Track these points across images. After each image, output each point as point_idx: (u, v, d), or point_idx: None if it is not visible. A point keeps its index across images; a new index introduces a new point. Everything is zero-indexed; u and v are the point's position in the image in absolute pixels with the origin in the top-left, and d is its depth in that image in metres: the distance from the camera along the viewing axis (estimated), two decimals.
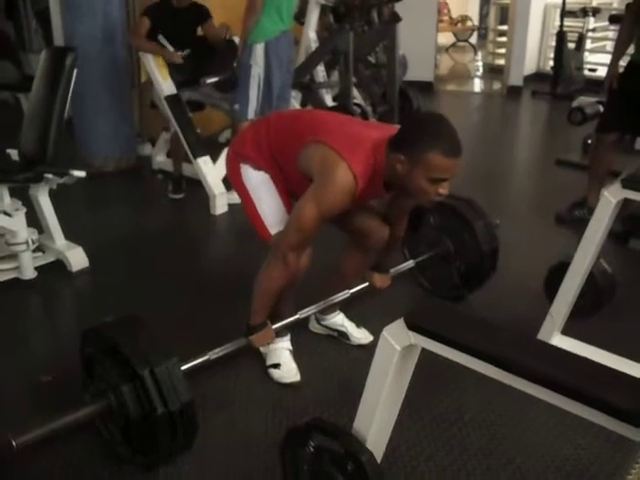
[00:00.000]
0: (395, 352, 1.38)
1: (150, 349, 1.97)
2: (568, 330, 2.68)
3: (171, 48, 4.43)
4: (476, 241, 3.00)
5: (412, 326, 1.28)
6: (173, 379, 1.92)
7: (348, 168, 2.16)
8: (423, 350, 1.39)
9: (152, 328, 2.08)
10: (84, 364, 2.14)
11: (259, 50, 4.14)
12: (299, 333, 2.82)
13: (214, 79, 4.41)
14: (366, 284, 2.80)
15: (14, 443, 1.79)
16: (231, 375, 2.61)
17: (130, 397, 1.94)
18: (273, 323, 2.52)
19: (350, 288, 2.82)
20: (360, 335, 2.85)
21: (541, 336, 2.66)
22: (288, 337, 2.68)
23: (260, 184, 2.47)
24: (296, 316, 2.61)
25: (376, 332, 2.45)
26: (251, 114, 4.22)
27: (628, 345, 2.63)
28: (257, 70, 4.16)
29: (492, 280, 3.13)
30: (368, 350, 2.66)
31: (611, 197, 2.38)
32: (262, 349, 2.66)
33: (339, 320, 2.88)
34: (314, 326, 2.93)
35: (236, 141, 2.67)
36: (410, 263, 3.09)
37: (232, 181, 2.60)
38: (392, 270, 2.91)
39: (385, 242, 2.62)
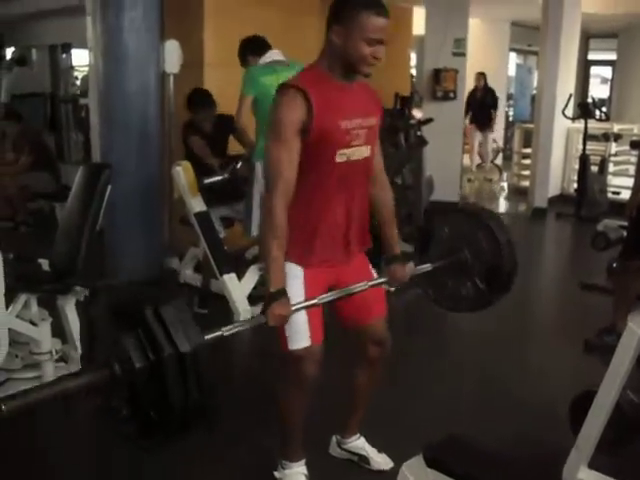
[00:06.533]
0: None
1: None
2: (596, 463, 2.59)
3: None
4: (492, 236, 2.73)
5: (431, 463, 1.26)
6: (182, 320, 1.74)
7: (282, 85, 2.29)
8: None
9: None
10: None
11: (258, 169, 4.26)
12: (318, 457, 2.76)
13: (213, 179, 4.53)
14: (385, 279, 2.60)
15: (3, 407, 1.57)
16: None
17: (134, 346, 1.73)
18: (287, 450, 2.46)
19: (367, 400, 2.78)
20: (381, 460, 2.79)
21: (567, 469, 2.57)
22: (303, 461, 2.63)
23: (290, 286, 2.29)
24: (314, 300, 2.29)
25: (397, 456, 2.40)
26: (255, 231, 4.32)
27: None
28: (258, 188, 4.27)
29: (517, 407, 3.06)
30: (389, 477, 2.59)
31: (636, 327, 2.36)
32: (277, 474, 2.62)
33: (360, 444, 2.83)
34: (335, 450, 2.88)
35: None
36: (427, 266, 2.76)
37: None
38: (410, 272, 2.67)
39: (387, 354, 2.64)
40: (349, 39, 2.23)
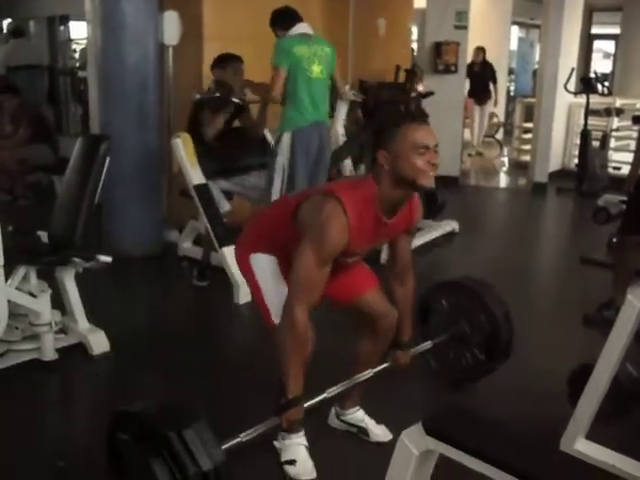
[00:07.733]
0: (413, 456, 1.36)
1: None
2: (593, 435, 2.61)
3: None
4: (487, 309, 2.96)
5: (430, 431, 1.27)
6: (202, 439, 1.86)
7: (335, 199, 2.24)
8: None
9: None
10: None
11: (286, 139, 4.27)
12: (317, 428, 2.77)
13: (205, 95, 4.61)
14: (388, 364, 2.75)
15: None
16: (244, 469, 2.55)
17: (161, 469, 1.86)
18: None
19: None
20: (380, 432, 2.79)
21: (565, 440, 2.59)
22: (303, 432, 2.63)
23: (267, 270, 2.50)
24: (324, 395, 2.51)
25: (396, 429, 2.41)
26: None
27: None
28: (282, 160, 4.27)
29: (516, 381, 3.08)
30: (387, 448, 2.60)
31: (635, 301, 2.36)
32: (276, 444, 2.63)
33: (359, 416, 2.84)
34: (333, 422, 2.89)
35: (241, 238, 2.73)
36: (428, 344, 3.02)
37: (241, 269, 2.66)
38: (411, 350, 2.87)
39: (393, 327, 2.66)
40: (398, 158, 2.22)
